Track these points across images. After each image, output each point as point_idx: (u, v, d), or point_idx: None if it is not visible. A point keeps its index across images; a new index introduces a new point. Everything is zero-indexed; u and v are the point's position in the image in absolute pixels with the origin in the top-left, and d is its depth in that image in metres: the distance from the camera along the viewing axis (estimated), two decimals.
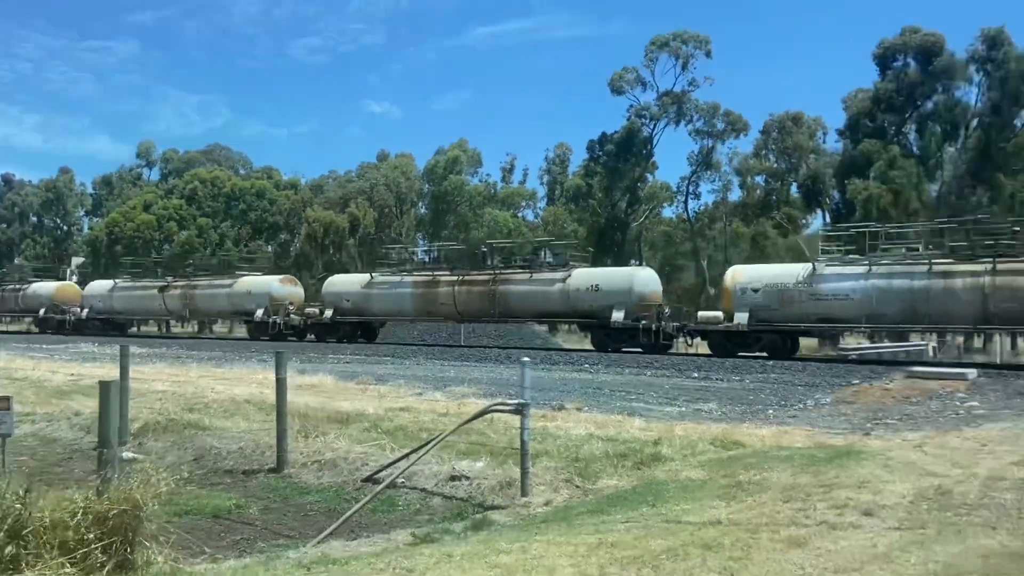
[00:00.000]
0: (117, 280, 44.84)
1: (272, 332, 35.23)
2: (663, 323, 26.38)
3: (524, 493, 8.15)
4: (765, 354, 24.01)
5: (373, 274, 34.49)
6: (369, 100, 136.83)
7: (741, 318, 24.53)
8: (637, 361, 22.33)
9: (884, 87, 49.30)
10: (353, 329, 34.22)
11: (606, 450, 9.43)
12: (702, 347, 26.36)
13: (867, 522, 5.70)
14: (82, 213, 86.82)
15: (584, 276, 28.60)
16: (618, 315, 26.77)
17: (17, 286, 48.52)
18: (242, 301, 37.52)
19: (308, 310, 36.13)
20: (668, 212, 63.70)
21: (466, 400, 13.38)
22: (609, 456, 9.19)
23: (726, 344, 24.98)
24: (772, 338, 24.38)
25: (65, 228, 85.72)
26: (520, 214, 67.69)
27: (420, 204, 67.65)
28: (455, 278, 31.36)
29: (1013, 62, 45.55)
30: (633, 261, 54.18)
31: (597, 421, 11.47)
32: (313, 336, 34.94)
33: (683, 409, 13.34)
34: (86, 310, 43.88)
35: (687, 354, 25.60)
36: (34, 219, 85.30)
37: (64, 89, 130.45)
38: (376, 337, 35.29)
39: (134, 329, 46.34)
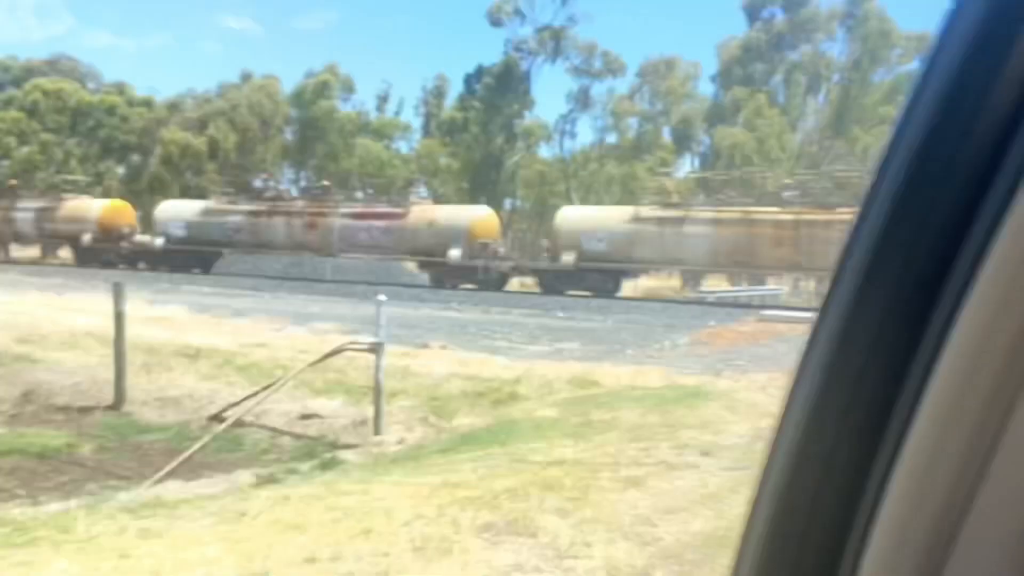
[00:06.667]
0: None
1: (103, 260, 32.73)
2: (498, 262, 27.39)
3: (377, 432, 8.04)
4: (589, 293, 25.26)
5: (209, 202, 33.09)
6: (226, 14, 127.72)
7: (569, 258, 25.99)
8: (506, 300, 22.48)
9: (755, 36, 50.73)
10: (185, 259, 32.16)
11: (464, 389, 9.42)
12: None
13: (704, 462, 5.90)
14: None
15: (422, 213, 28.93)
16: (455, 253, 26.95)
17: None
18: (66, 226, 34.77)
19: (137, 238, 33.93)
20: (544, 151, 63.84)
21: (328, 337, 13.02)
22: (467, 395, 9.19)
23: (554, 283, 26.20)
24: (596, 277, 25.88)
25: None
26: (394, 146, 65.86)
27: (286, 130, 64.40)
28: (292, 211, 30.93)
29: (873, 19, 47.75)
30: (507, 200, 54.19)
31: (460, 360, 11.45)
32: (145, 265, 32.65)
33: (546, 348, 13.51)
34: None
35: (522, 292, 26.76)
36: None
37: None
38: (211, 268, 33.25)
39: None
